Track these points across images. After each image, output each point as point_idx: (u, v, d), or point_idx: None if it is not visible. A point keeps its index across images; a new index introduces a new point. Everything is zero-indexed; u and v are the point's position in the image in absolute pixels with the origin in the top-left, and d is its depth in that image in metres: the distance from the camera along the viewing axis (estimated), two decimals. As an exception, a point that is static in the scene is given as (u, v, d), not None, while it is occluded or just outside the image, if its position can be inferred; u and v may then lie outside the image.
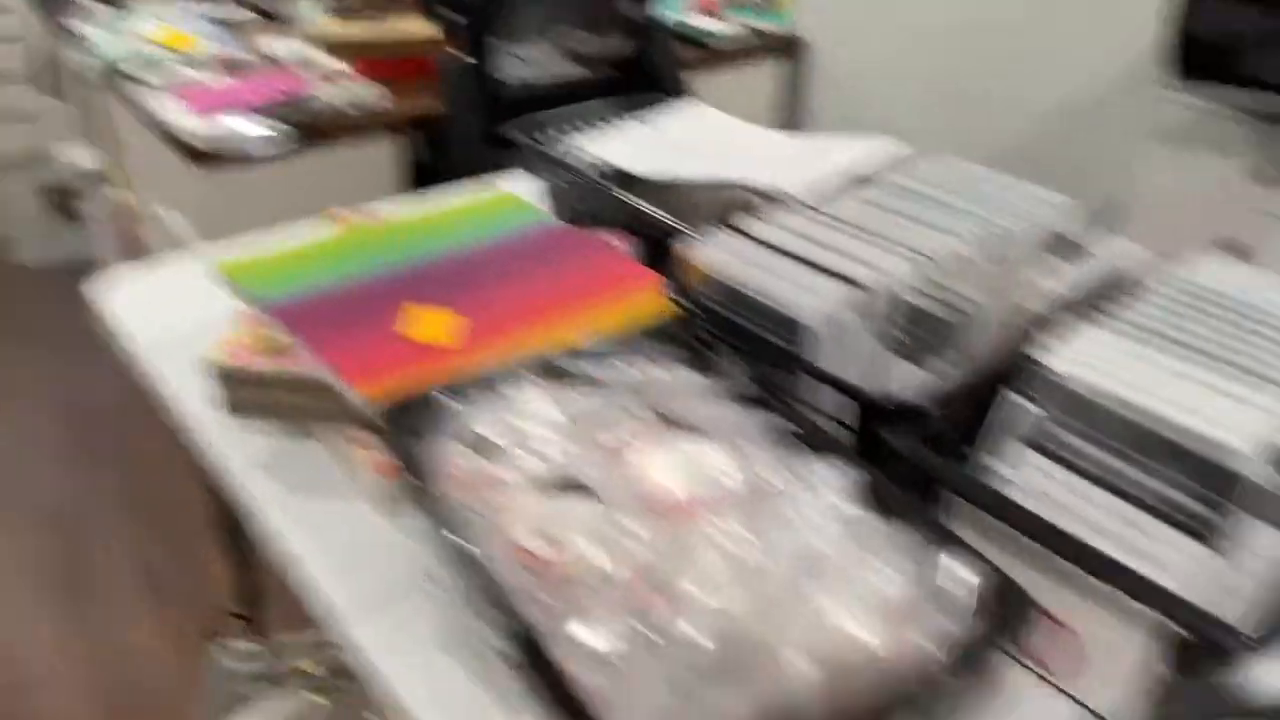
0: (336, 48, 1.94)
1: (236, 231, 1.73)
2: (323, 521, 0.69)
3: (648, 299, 0.79)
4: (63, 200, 3.20)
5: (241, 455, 0.75)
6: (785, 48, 2.39)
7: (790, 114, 2.51)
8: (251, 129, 1.65)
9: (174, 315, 0.94)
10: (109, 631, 1.77)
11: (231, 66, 1.97)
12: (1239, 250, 1.53)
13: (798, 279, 0.67)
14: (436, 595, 0.62)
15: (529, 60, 2.01)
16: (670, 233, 0.86)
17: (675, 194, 0.91)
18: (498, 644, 0.47)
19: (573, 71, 2.03)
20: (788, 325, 0.65)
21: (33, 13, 2.81)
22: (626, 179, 0.95)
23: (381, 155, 1.83)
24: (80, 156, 2.59)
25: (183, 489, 2.06)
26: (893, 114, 2.27)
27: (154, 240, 2.19)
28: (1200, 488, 0.56)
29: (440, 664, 0.58)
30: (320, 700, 1.01)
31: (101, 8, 2.06)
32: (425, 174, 1.99)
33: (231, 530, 1.16)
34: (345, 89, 1.80)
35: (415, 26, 2.02)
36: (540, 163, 1.02)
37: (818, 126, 2.46)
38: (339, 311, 0.75)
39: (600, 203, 0.94)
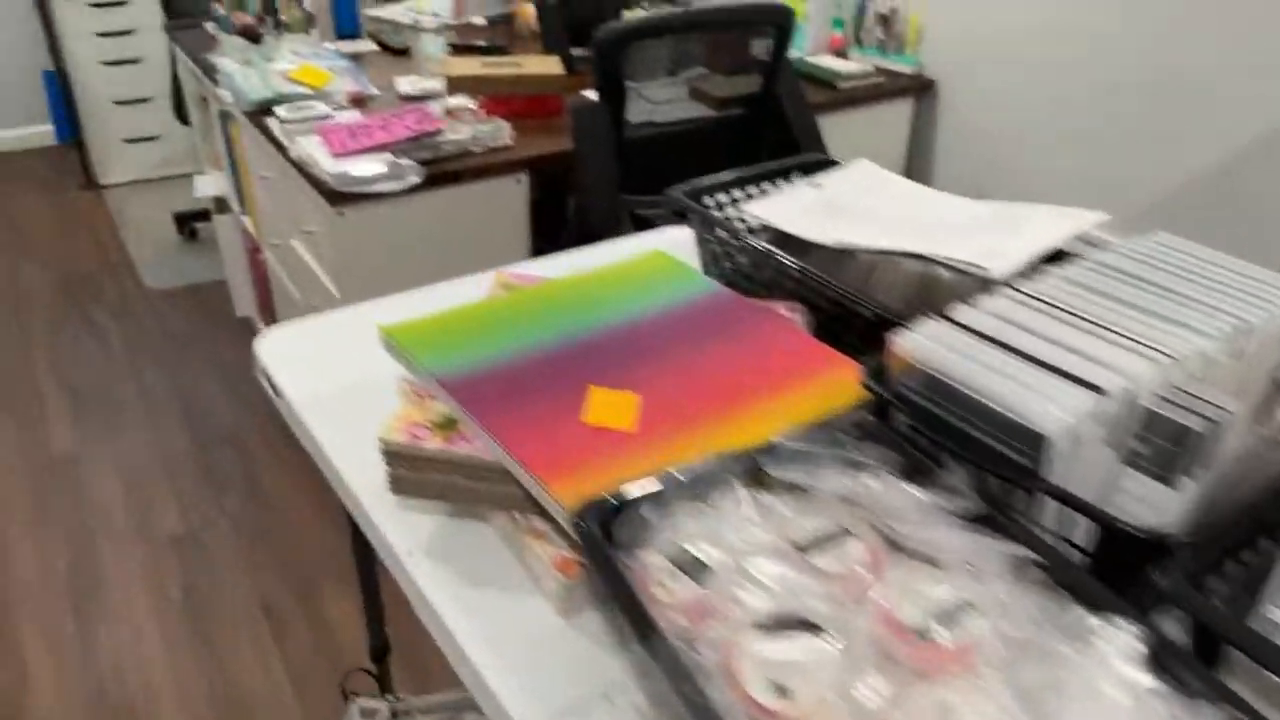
0: (462, 83, 1.94)
1: (364, 266, 1.76)
2: (495, 616, 0.65)
3: (837, 384, 0.73)
4: (186, 224, 3.31)
5: (408, 536, 0.72)
6: (914, 87, 2.32)
7: (920, 155, 2.44)
8: (385, 169, 1.65)
9: (336, 375, 0.92)
10: (224, 664, 1.78)
11: (361, 102, 2.00)
12: None
13: (1026, 379, 0.61)
14: (622, 711, 0.57)
15: (654, 100, 1.98)
16: (848, 306, 0.80)
17: (853, 264, 0.85)
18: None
19: (699, 111, 2.00)
20: (1022, 434, 0.59)
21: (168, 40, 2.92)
22: (797, 245, 0.89)
23: (507, 194, 1.82)
24: (206, 183, 2.67)
25: (302, 525, 2.09)
26: (1024, 154, 2.17)
27: (279, 268, 2.23)
28: None
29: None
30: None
31: (239, 42, 2.11)
32: (550, 213, 1.98)
33: (368, 585, 1.14)
34: (473, 126, 1.80)
35: (540, 64, 2.01)
36: (703, 226, 0.97)
37: (948, 167, 2.38)
38: (513, 388, 0.71)
39: (768, 270, 0.89)
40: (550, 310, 0.83)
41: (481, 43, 2.46)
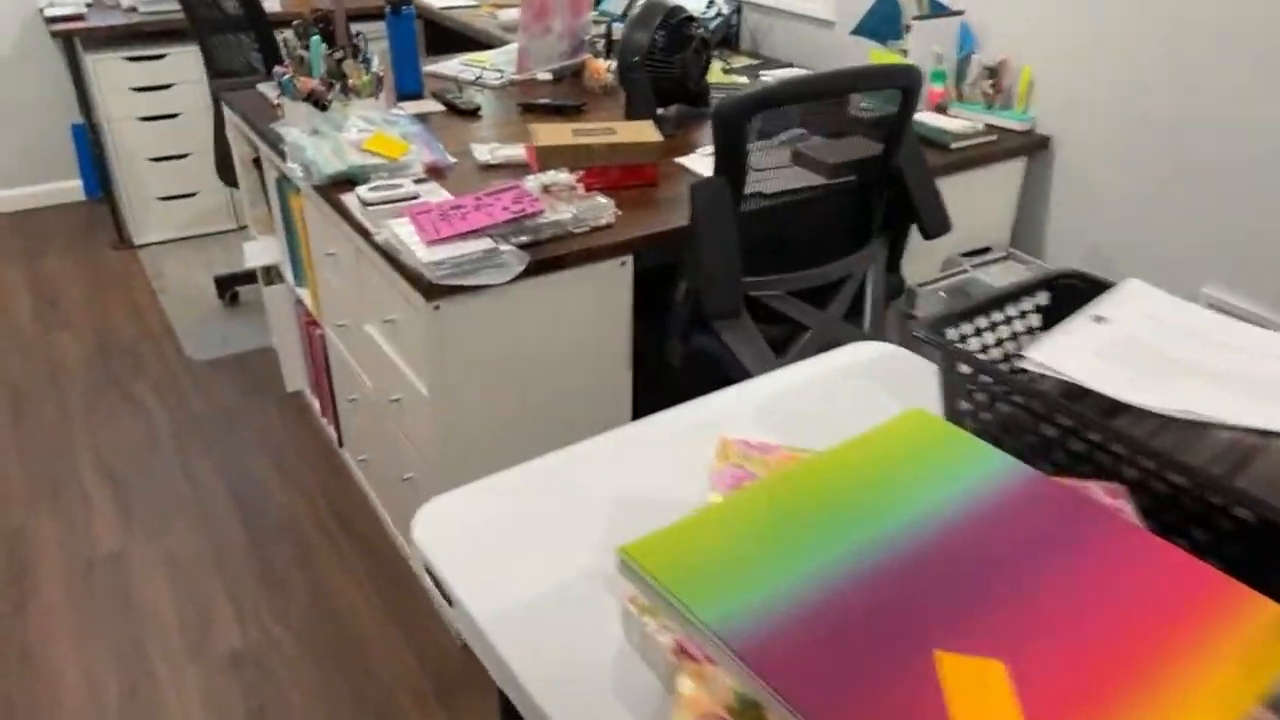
0: (554, 155, 1.78)
1: (457, 360, 1.57)
2: None
3: (1257, 635, 0.55)
4: (228, 288, 3.14)
5: None
6: (1028, 145, 2.14)
7: (1030, 215, 2.26)
8: (485, 257, 1.48)
9: (520, 576, 0.74)
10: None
11: (439, 173, 1.83)
12: None
13: None
14: None
15: (759, 168, 1.81)
16: (1206, 499, 0.61)
17: (1195, 435, 0.66)
18: None
19: (807, 179, 1.83)
20: None
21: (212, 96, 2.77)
22: (1106, 405, 0.71)
23: (611, 278, 1.65)
24: (257, 250, 2.50)
25: (371, 634, 1.89)
26: (1145, 213, 1.99)
27: (345, 351, 2.05)
28: None
29: None
30: None
31: (305, 109, 1.95)
32: (649, 296, 1.80)
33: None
34: (573, 205, 1.63)
35: (634, 131, 1.84)
36: (960, 373, 0.79)
37: (1061, 228, 2.20)
38: (826, 648, 0.53)
39: (1073, 439, 0.71)
40: (820, 509, 0.64)
41: (551, 100, 2.30)
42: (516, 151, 1.93)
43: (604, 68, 2.46)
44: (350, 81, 2.00)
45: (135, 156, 3.37)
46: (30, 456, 2.39)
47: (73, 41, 3.20)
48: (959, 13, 2.23)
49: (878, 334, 1.89)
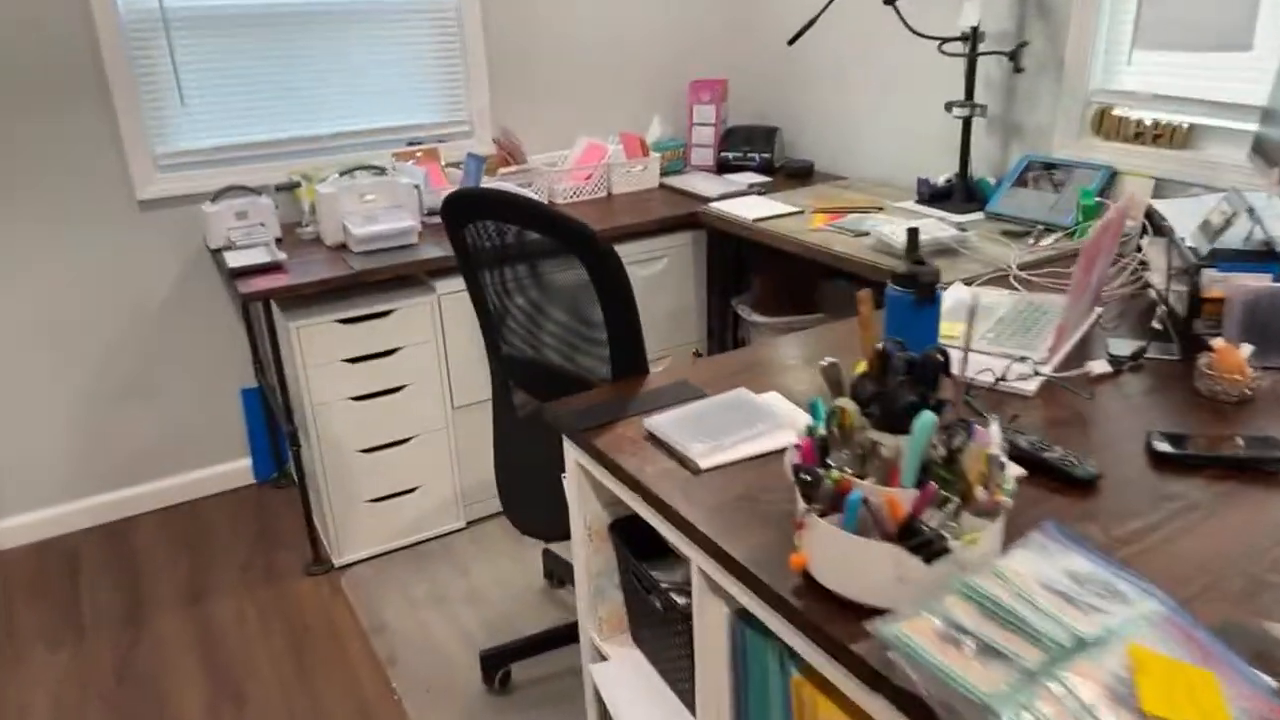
0: None
1: None
2: None
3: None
4: (498, 668, 2.08)
5: None
6: None
7: None
8: None
9: None
10: None
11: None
12: None
13: None
14: None
15: None
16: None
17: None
18: None
19: None
20: None
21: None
22: None
23: None
24: (625, 690, 1.43)
25: None
26: None
27: None
28: None
29: None
30: None
31: (886, 553, 0.89)
32: None
33: None
34: None
35: None
36: None
37: None
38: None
39: None
40: None
41: (1208, 448, 1.22)
42: None
43: (1244, 358, 1.39)
44: (976, 492, 0.95)
45: (342, 448, 2.40)
46: None
47: (269, 304, 2.28)
48: None
49: None
